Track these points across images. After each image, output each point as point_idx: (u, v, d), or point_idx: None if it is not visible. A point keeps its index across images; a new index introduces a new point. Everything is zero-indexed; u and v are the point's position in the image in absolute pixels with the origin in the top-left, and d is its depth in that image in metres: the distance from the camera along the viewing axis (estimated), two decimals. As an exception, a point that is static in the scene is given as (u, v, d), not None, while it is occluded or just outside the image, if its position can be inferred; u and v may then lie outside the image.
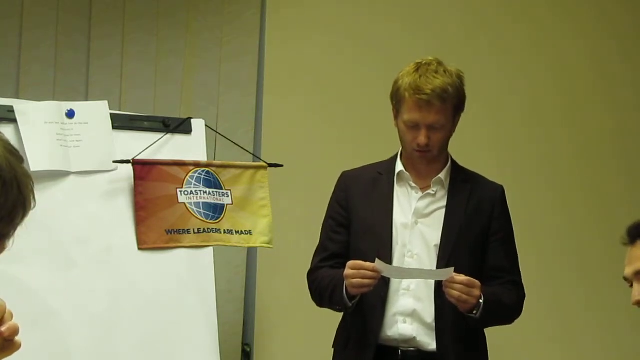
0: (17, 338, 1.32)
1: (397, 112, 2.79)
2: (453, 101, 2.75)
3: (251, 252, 3.93)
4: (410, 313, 2.75)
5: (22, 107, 2.98)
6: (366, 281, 2.65)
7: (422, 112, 2.71)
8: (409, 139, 2.76)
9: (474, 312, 2.68)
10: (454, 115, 2.78)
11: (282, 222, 3.53)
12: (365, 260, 2.69)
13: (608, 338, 4.20)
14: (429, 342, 2.74)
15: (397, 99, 2.77)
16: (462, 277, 2.64)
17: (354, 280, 2.67)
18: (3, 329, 1.29)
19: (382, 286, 2.73)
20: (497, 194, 2.87)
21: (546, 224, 4.21)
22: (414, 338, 2.74)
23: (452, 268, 2.65)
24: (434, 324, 2.74)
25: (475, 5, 4.25)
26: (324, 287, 2.82)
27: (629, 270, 2.09)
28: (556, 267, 4.20)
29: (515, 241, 2.90)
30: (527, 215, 4.09)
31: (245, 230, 3.18)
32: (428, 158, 2.79)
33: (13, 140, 2.93)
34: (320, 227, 2.96)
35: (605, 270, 4.15)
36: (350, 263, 2.70)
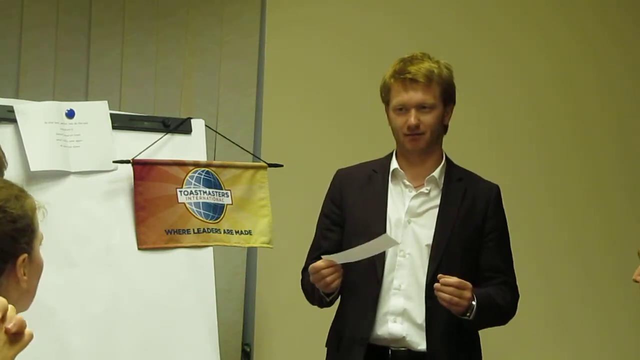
0: (27, 330, 1.32)
1: (387, 106, 2.79)
2: (440, 83, 2.73)
3: (251, 252, 3.93)
4: (400, 312, 2.72)
5: (22, 107, 2.97)
6: (329, 278, 2.66)
7: (408, 92, 2.71)
8: (399, 124, 2.74)
9: (467, 314, 2.64)
10: (444, 102, 2.75)
11: (282, 222, 3.53)
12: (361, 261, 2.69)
13: (607, 337, 4.21)
14: (419, 342, 2.70)
15: (384, 90, 2.78)
16: (452, 280, 2.59)
17: (320, 283, 2.68)
18: (10, 325, 1.29)
19: (374, 286, 2.72)
20: (491, 193, 2.82)
21: (546, 224, 4.21)
22: (404, 338, 2.71)
23: (389, 234, 2.64)
24: (424, 324, 2.70)
25: (476, 6, 4.25)
26: (309, 286, 2.81)
27: None
28: (555, 267, 4.20)
29: (512, 241, 2.86)
30: (527, 214, 4.09)
31: (245, 230, 3.18)
32: (420, 145, 2.74)
33: (13, 140, 2.95)
34: (320, 226, 2.96)
35: (605, 269, 4.16)
36: (310, 269, 2.70)
